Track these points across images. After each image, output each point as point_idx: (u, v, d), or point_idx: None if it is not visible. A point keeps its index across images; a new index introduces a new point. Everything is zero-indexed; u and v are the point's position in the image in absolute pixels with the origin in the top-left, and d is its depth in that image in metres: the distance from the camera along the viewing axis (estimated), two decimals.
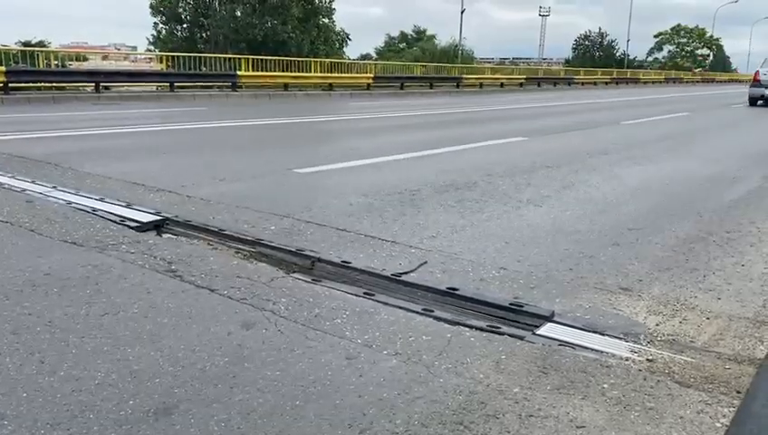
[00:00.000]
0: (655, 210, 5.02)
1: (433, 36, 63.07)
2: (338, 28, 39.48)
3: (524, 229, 4.31)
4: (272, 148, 8.47)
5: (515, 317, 2.75)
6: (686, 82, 59.00)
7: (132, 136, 9.34)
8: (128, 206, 4.53)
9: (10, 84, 15.98)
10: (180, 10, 35.03)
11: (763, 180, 6.61)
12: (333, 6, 37.62)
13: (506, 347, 2.44)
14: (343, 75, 26.16)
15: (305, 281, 3.15)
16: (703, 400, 2.08)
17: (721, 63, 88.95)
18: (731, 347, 2.53)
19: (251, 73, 22.17)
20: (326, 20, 37.79)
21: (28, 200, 4.61)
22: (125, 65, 29.59)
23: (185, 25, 35.60)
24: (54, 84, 18.00)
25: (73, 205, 4.51)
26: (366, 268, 3.28)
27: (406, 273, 3.25)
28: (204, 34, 35.14)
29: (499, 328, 2.62)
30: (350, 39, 41.09)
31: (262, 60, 23.66)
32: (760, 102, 21.73)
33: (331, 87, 24.11)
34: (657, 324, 2.74)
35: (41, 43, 29.62)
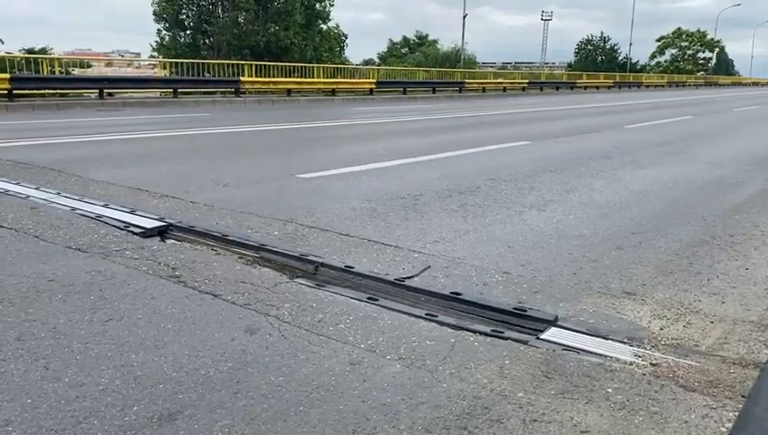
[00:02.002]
0: (658, 214, 5.02)
1: (435, 41, 63.33)
2: (335, 30, 39.61)
3: (528, 234, 4.30)
4: (275, 153, 8.49)
5: (519, 322, 2.74)
6: (689, 85, 58.98)
7: (136, 142, 9.37)
8: (131, 212, 4.55)
9: (15, 91, 16.06)
10: (183, 17, 35.20)
11: (767, 184, 6.59)
12: (331, 12, 37.82)
13: (510, 352, 2.44)
14: (346, 80, 26.21)
15: (309, 286, 3.15)
16: (708, 404, 2.08)
17: (724, 67, 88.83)
18: (735, 351, 2.52)
19: (254, 79, 22.24)
20: (325, 26, 37.96)
21: (32, 207, 4.63)
22: (129, 72, 29.68)
23: (188, 32, 35.78)
24: (59, 91, 18.07)
25: (77, 211, 4.52)
26: (369, 273, 3.28)
27: (409, 278, 3.25)
28: (207, 41, 35.31)
29: (503, 333, 2.62)
30: (345, 36, 41.17)
31: (265, 66, 23.75)
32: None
33: (333, 92, 24.16)
34: (662, 328, 2.74)
35: (44, 51, 29.75)
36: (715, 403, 2.08)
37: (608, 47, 73.59)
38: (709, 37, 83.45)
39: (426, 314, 2.80)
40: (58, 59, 20.99)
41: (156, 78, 22.08)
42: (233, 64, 23.40)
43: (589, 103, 24.59)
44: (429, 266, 3.48)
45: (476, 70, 45.26)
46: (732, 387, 2.20)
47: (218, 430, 1.87)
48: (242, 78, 21.77)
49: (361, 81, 26.86)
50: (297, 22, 33.83)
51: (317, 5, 36.58)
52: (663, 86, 53.89)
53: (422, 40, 66.09)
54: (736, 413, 2.01)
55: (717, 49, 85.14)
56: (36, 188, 5.32)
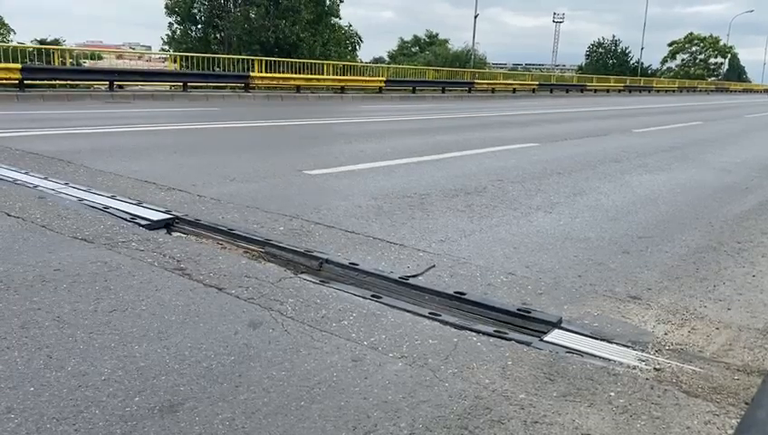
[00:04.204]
0: (666, 219, 4.99)
1: (445, 41, 63.28)
2: (350, 31, 39.69)
3: (533, 235, 4.29)
4: (283, 149, 8.49)
5: (523, 323, 2.73)
6: (700, 91, 58.69)
7: (144, 135, 9.40)
8: (138, 204, 4.56)
9: (25, 81, 16.15)
10: (195, 11, 35.28)
11: None
12: (340, 6, 37.81)
13: (513, 353, 2.43)
14: (355, 78, 26.23)
15: (313, 282, 3.15)
16: (711, 410, 2.06)
17: (736, 73, 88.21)
18: (740, 358, 2.51)
19: (263, 75, 22.27)
20: (336, 19, 37.96)
21: (40, 196, 4.65)
22: (139, 64, 29.76)
23: (199, 26, 35.86)
24: (69, 82, 18.16)
25: (85, 202, 4.54)
26: (374, 271, 3.28)
27: (413, 276, 3.25)
28: (218, 35, 35.36)
29: (506, 334, 2.61)
30: (361, 41, 41.35)
31: (274, 61, 23.78)
32: None
33: (342, 90, 24.18)
34: (666, 333, 2.72)
35: (56, 42, 29.90)
36: (718, 410, 2.07)
37: (619, 51, 73.29)
38: (722, 43, 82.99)
39: (429, 313, 2.79)
40: (69, 50, 21.12)
41: (166, 71, 22.12)
42: (243, 60, 23.45)
43: (599, 107, 24.50)
44: (434, 265, 3.47)
45: (486, 70, 45.15)
46: (735, 394, 2.18)
47: (219, 423, 1.87)
48: (251, 73, 21.82)
49: (371, 79, 26.88)
50: (305, 17, 33.81)
51: (327, 1, 36.57)
52: (674, 91, 53.66)
53: (432, 39, 66.06)
54: (739, 420, 1.99)
55: (729, 55, 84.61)
56: (45, 178, 5.35)
